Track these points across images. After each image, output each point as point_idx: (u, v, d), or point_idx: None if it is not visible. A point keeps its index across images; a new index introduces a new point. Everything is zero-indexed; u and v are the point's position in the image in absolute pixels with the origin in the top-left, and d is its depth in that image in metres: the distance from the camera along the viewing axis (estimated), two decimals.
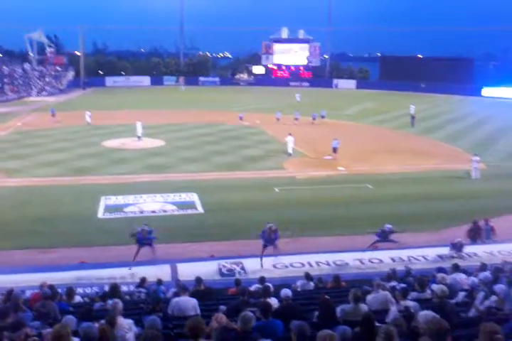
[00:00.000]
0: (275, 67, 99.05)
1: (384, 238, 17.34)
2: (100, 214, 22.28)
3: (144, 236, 16.55)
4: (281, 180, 28.41)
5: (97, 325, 6.65)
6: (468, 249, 17.44)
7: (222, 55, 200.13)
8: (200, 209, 23.07)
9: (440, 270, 12.09)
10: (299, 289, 12.87)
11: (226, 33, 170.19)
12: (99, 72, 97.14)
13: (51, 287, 10.97)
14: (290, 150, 34.15)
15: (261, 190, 26.17)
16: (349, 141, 37.68)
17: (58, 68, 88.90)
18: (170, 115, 52.90)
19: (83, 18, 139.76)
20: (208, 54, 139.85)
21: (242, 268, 16.15)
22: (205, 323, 6.28)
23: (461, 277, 11.34)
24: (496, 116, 56.60)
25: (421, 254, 17.37)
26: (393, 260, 16.81)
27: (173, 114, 53.73)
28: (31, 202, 24.08)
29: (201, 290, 11.41)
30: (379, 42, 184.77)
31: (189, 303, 9.34)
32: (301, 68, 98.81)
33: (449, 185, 27.78)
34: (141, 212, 22.61)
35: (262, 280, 11.92)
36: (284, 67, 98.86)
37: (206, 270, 15.56)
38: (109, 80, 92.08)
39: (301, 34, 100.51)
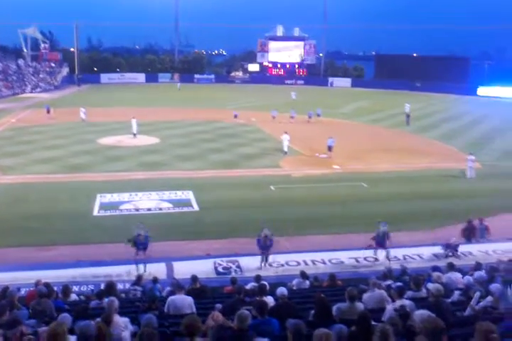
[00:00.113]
0: (270, 65, 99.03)
1: (380, 243, 17.10)
2: (95, 212, 22.24)
3: (140, 241, 16.42)
4: (276, 178, 28.44)
5: (93, 323, 6.63)
6: (463, 248, 17.54)
7: (217, 52, 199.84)
8: (196, 207, 23.07)
9: (435, 269, 12.12)
10: (294, 288, 12.90)
11: (221, 31, 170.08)
12: (94, 68, 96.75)
13: (47, 285, 10.92)
14: (285, 149, 34.18)
15: (257, 188, 26.18)
16: (344, 140, 37.74)
17: (52, 64, 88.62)
18: (165, 112, 52.81)
19: (78, 14, 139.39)
20: (203, 51, 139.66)
21: (238, 267, 16.17)
22: (201, 321, 6.29)
23: (456, 276, 11.39)
24: (491, 115, 56.75)
25: (416, 253, 17.44)
26: (389, 259, 16.83)
27: (169, 112, 53.62)
28: (26, 199, 24.00)
29: (197, 289, 11.40)
30: (374, 41, 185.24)
31: (185, 301, 9.34)
32: (297, 66, 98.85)
33: (444, 184, 27.88)
34: (137, 210, 22.58)
35: (257, 278, 11.93)
36: (279, 65, 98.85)
37: (202, 268, 15.55)
38: (104, 77, 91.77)
39: (297, 32, 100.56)
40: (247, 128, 44.81)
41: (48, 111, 47.59)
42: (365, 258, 17.04)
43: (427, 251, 17.51)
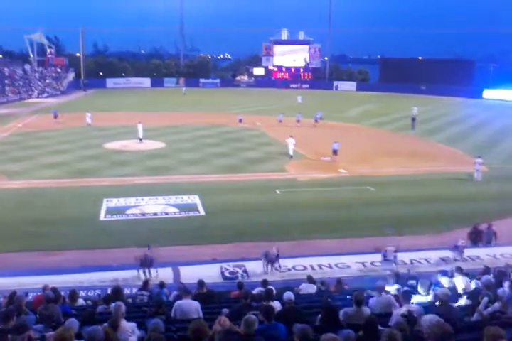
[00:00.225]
0: (275, 69, 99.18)
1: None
2: (102, 217, 22.28)
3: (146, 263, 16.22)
4: (282, 182, 28.42)
5: (100, 328, 6.64)
6: (471, 252, 17.42)
7: (222, 56, 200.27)
8: (202, 212, 23.06)
9: (443, 273, 12.06)
10: (301, 292, 12.86)
11: (226, 35, 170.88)
12: (100, 73, 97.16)
13: (54, 290, 10.94)
14: (291, 152, 34.17)
15: (262, 192, 26.17)
16: (350, 144, 37.73)
17: (58, 70, 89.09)
18: (171, 117, 52.94)
19: (83, 20, 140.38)
20: (209, 55, 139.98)
21: (245, 271, 16.12)
22: (207, 326, 6.29)
23: (464, 280, 11.32)
24: (497, 118, 56.61)
25: (423, 257, 17.33)
26: (396, 263, 16.74)
27: (174, 116, 53.75)
28: (32, 204, 24.08)
29: (203, 293, 11.38)
30: (379, 44, 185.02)
31: (192, 306, 9.33)
32: (302, 70, 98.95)
33: (450, 188, 27.77)
34: (143, 215, 22.60)
35: (264, 283, 11.91)
36: (284, 69, 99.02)
37: (208, 273, 15.50)
38: (110, 82, 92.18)
39: (301, 36, 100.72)
40: (252, 132, 44.84)
41: (56, 117, 47.77)
42: (371, 263, 16.95)
43: (434, 255, 17.40)
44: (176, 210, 23.19)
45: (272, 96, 77.95)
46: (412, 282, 12.25)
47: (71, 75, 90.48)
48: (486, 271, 12.05)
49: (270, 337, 6.79)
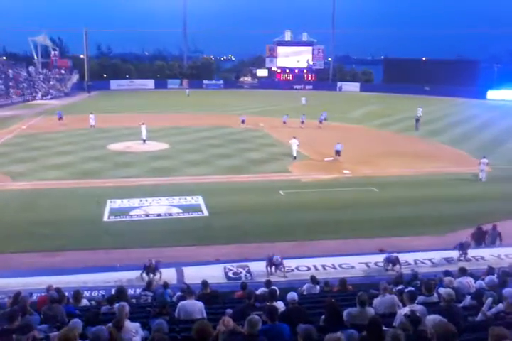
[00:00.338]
0: (279, 70, 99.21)
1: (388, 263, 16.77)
2: (105, 218, 22.31)
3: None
4: (286, 183, 28.42)
5: (105, 328, 6.66)
6: (475, 253, 17.38)
7: (225, 57, 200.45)
8: (206, 213, 23.08)
9: (447, 273, 12.04)
10: (305, 293, 12.86)
11: (230, 36, 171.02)
12: (104, 75, 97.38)
13: (58, 290, 10.97)
14: (294, 153, 34.18)
15: (266, 193, 26.18)
16: (354, 144, 37.73)
17: (62, 71, 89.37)
18: (174, 118, 53.00)
19: (87, 21, 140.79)
20: (212, 57, 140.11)
21: (248, 272, 16.12)
22: (211, 326, 6.29)
23: (468, 281, 11.30)
24: (501, 118, 56.48)
25: (427, 258, 17.29)
26: (399, 264, 16.71)
27: (177, 118, 53.82)
28: (36, 205, 24.16)
29: (207, 294, 11.40)
30: (382, 45, 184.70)
31: (195, 307, 9.34)
32: (305, 71, 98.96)
33: (454, 188, 27.72)
34: (147, 215, 22.64)
35: (268, 283, 11.92)
36: (287, 70, 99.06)
37: (212, 273, 15.53)
38: (114, 83, 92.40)
39: (305, 37, 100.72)
40: (255, 133, 44.86)
41: (60, 118, 47.90)
42: (375, 263, 16.93)
43: (438, 256, 17.37)
44: (180, 211, 23.22)
45: (275, 98, 77.95)
46: (416, 282, 12.25)
47: (75, 77, 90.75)
48: (490, 271, 12.02)
49: (274, 337, 6.80)
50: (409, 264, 16.66)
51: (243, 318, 6.83)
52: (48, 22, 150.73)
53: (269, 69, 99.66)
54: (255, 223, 21.63)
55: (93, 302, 12.32)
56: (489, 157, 30.11)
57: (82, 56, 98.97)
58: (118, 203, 24.06)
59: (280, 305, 9.05)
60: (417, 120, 48.02)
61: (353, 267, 16.75)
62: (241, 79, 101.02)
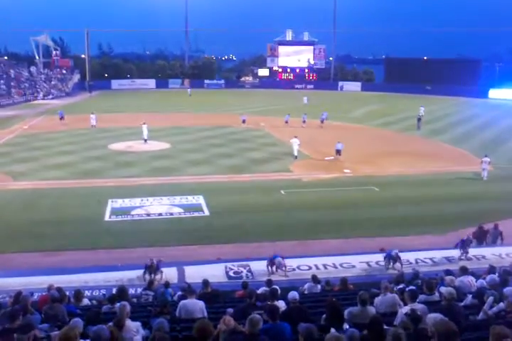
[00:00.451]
0: (280, 70, 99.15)
1: (389, 260, 16.77)
2: (107, 217, 22.33)
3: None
4: (287, 182, 28.41)
5: (105, 327, 6.67)
6: (477, 252, 17.35)
7: (227, 57, 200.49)
8: (207, 212, 23.08)
9: (448, 272, 12.03)
10: (306, 292, 12.85)
11: (231, 36, 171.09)
12: (105, 75, 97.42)
13: (59, 289, 10.99)
14: (295, 153, 34.17)
15: (267, 193, 26.18)
16: (355, 144, 37.70)
17: (64, 71, 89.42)
18: (175, 118, 53.02)
19: (88, 21, 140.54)
20: (213, 57, 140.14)
21: (249, 271, 16.11)
22: (212, 325, 6.29)
23: (469, 279, 11.29)
24: (503, 117, 56.40)
25: (428, 257, 17.28)
26: (400, 259, 16.67)
27: (179, 117, 53.85)
28: (37, 205, 24.18)
29: (208, 293, 11.40)
30: (383, 44, 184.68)
31: (196, 306, 9.34)
32: (306, 70, 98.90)
33: (455, 187, 27.68)
34: (148, 215, 22.65)
35: (269, 283, 11.92)
36: (289, 70, 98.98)
37: (213, 272, 15.52)
38: (115, 83, 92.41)
39: (306, 36, 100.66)
40: (256, 132, 44.86)
41: (62, 118, 47.90)
42: (376, 263, 16.92)
43: (439, 255, 17.35)
44: (181, 210, 23.22)
45: (276, 97, 77.94)
46: (417, 281, 12.24)
47: (76, 77, 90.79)
48: (491, 270, 12.00)
49: (275, 336, 6.79)
50: (411, 263, 16.63)
51: (244, 317, 6.82)
52: (50, 22, 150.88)
53: (271, 68, 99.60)
54: (256, 222, 21.64)
55: (94, 302, 12.33)
56: (491, 156, 30.07)
57: (83, 56, 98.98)
58: (119, 203, 24.07)
59: (281, 305, 9.05)
60: (419, 119, 47.95)
61: (354, 266, 16.73)
62: (242, 78, 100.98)
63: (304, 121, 47.29)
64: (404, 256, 16.48)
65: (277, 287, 10.68)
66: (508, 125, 50.42)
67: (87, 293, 13.71)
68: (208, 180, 28.79)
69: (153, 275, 15.11)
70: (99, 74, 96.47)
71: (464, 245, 16.92)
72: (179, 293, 12.04)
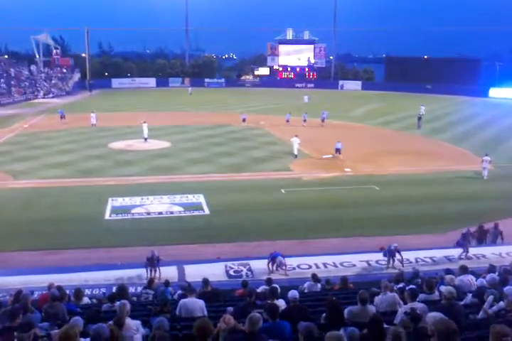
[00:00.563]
0: (280, 69, 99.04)
1: (390, 256, 16.82)
2: (107, 216, 22.33)
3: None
4: (287, 181, 28.40)
5: (105, 326, 6.67)
6: (477, 251, 17.37)
7: (227, 56, 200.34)
8: (207, 211, 23.09)
9: (448, 271, 12.03)
10: (306, 291, 12.86)
11: (231, 35, 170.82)
12: (105, 73, 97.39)
13: (59, 288, 11.00)
14: (296, 152, 34.17)
15: (267, 192, 26.17)
16: (356, 143, 37.71)
17: (64, 70, 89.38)
18: (175, 117, 53.02)
19: (88, 20, 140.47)
20: (214, 55, 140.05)
21: (249, 270, 16.13)
22: (212, 324, 6.29)
23: (469, 279, 11.28)
24: (503, 116, 56.38)
25: (428, 256, 17.29)
26: (400, 255, 16.68)
27: (179, 116, 53.85)
28: (37, 203, 24.19)
29: (208, 292, 11.40)
30: (384, 43, 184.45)
31: (196, 304, 9.34)
32: (307, 69, 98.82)
33: (455, 186, 27.67)
34: (148, 214, 22.65)
35: (269, 281, 11.92)
36: (289, 69, 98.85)
37: (213, 271, 15.55)
38: (115, 82, 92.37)
39: (306, 35, 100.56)
40: (256, 131, 44.85)
41: (62, 117, 47.87)
42: (376, 261, 16.93)
43: (439, 254, 17.36)
44: (181, 209, 23.23)
45: (277, 96, 77.88)
46: (417, 280, 12.24)
47: (76, 76, 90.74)
48: (492, 269, 11.99)
49: (275, 335, 6.78)
50: (411, 262, 16.66)
51: (244, 316, 6.82)
52: (50, 21, 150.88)
53: (271, 67, 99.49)
54: (256, 221, 21.65)
55: (94, 300, 12.34)
56: (491, 155, 30.05)
57: (83, 55, 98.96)
58: (119, 201, 24.08)
59: (281, 303, 9.04)
60: (419, 118, 47.92)
61: (354, 265, 16.76)
62: (242, 77, 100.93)
63: (305, 120, 47.24)
64: (404, 255, 16.49)
65: (277, 286, 10.69)
66: (508, 124, 50.39)
67: (87, 291, 13.74)
68: (208, 178, 28.79)
69: (152, 271, 15.16)
70: (100, 73, 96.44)
71: (464, 238, 16.91)
72: (179, 291, 12.05)
